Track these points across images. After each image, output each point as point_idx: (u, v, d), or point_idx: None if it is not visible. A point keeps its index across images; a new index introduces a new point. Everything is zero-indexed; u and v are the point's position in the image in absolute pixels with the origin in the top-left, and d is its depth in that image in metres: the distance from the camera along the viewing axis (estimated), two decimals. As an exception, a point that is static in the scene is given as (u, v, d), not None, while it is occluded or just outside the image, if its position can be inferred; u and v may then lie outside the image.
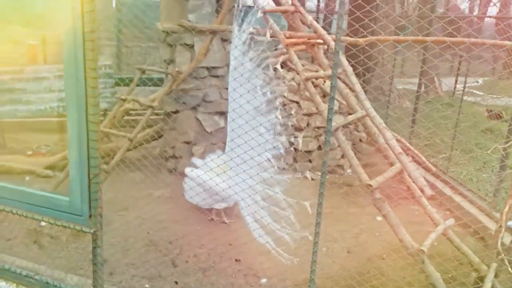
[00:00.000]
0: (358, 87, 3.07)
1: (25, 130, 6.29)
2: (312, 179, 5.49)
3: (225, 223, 4.28)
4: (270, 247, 3.58)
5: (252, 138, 3.59)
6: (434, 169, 4.33)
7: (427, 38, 3.30)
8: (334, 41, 2.14)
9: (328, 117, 2.08)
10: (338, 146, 4.50)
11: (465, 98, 10.85)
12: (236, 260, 3.69)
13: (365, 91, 8.64)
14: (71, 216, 2.71)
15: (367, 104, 3.01)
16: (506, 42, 3.67)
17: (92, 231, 2.69)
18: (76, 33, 2.44)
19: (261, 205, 3.76)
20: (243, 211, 3.84)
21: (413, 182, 2.77)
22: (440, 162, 6.22)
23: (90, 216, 2.67)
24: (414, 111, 6.58)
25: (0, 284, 2.95)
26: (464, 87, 6.22)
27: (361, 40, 3.66)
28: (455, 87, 9.83)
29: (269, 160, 3.92)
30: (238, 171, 3.69)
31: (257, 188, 3.73)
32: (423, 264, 2.79)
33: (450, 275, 3.42)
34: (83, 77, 2.49)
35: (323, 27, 3.87)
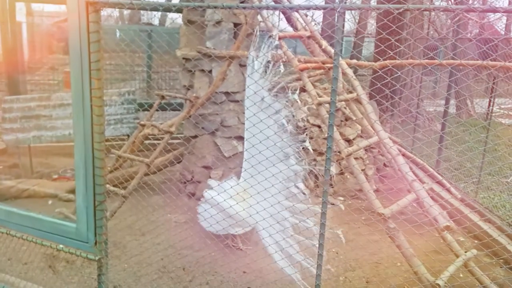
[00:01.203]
0: (368, 109, 2.98)
1: (51, 155, 6.51)
2: (332, 204, 5.35)
3: (241, 249, 4.21)
4: (296, 279, 3.45)
5: (267, 160, 3.54)
6: (458, 195, 4.12)
7: (433, 61, 3.19)
8: (334, 66, 2.09)
9: (327, 145, 2.01)
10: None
11: (501, 120, 10.47)
12: (249, 289, 3.61)
13: (392, 115, 8.46)
14: (78, 243, 2.73)
15: (378, 127, 2.92)
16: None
17: (97, 258, 2.69)
18: (82, 62, 2.50)
19: (287, 234, 3.61)
20: (261, 233, 3.73)
21: (426, 211, 2.64)
22: (470, 187, 5.97)
23: (95, 243, 2.68)
24: (442, 134, 6.36)
25: (9, 309, 2.98)
26: (492, 108, 5.92)
27: (376, 64, 3.59)
28: (488, 109, 9.49)
29: (294, 186, 3.79)
30: (255, 194, 3.62)
31: (285, 214, 3.60)
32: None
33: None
34: (89, 106, 2.53)
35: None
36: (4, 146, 5.80)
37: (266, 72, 3.82)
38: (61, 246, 2.81)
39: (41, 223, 2.82)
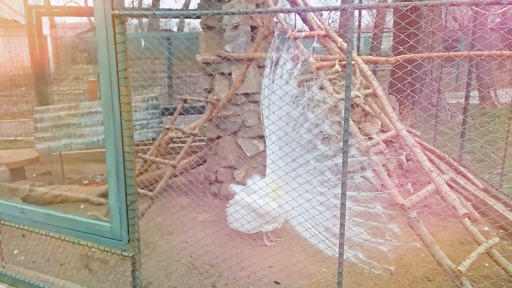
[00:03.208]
0: (384, 101, 3.06)
1: (81, 161, 6.77)
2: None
3: (266, 245, 4.33)
4: (356, 260, 3.52)
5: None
6: (480, 185, 4.14)
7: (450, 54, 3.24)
8: (347, 63, 2.19)
9: (343, 138, 2.12)
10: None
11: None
12: (276, 283, 3.72)
13: (413, 108, 8.40)
14: (112, 241, 2.90)
15: (394, 118, 3.00)
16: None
17: (131, 255, 2.85)
18: (111, 71, 2.66)
19: (356, 222, 3.64)
20: (298, 228, 3.79)
21: (444, 200, 2.70)
22: (495, 178, 5.94)
23: (128, 240, 2.85)
24: (463, 125, 6.34)
25: (51, 305, 3.18)
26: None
27: (390, 59, 3.66)
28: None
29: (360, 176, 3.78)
30: (289, 189, 3.70)
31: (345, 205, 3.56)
32: (461, 285, 2.69)
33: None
34: (119, 111, 2.70)
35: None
36: (37, 154, 6.07)
37: (285, 71, 3.90)
38: (95, 245, 2.99)
39: (78, 224, 3.01)
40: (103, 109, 2.77)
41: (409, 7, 1.79)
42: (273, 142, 3.86)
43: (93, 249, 3.92)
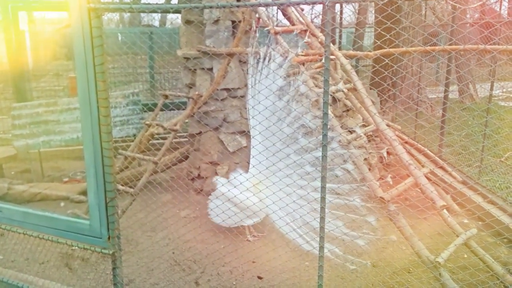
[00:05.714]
0: (363, 95, 3.08)
1: (61, 159, 6.66)
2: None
3: (248, 240, 4.33)
4: (333, 254, 3.54)
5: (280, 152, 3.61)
6: (459, 178, 4.21)
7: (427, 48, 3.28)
8: (325, 57, 2.19)
9: (322, 132, 2.12)
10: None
11: (504, 104, 10.49)
12: (258, 278, 3.73)
13: (394, 104, 8.47)
14: (92, 239, 2.86)
15: (372, 111, 3.02)
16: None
17: (111, 252, 2.82)
18: (87, 66, 2.61)
19: (335, 215, 3.63)
20: (278, 223, 3.80)
21: (423, 193, 2.74)
22: (474, 170, 6.04)
23: (108, 238, 2.81)
24: (442, 119, 6.43)
25: (30, 305, 3.12)
26: (491, 92, 5.97)
27: (371, 53, 3.69)
28: (491, 93, 9.49)
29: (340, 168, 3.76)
30: (269, 183, 3.71)
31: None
32: (440, 276, 2.73)
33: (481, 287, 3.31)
34: (96, 107, 2.66)
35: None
36: (15, 152, 5.95)
37: (267, 65, 3.88)
38: (74, 243, 2.94)
39: (56, 222, 2.96)
40: (80, 105, 2.72)
41: (385, 0, 1.80)
42: (253, 137, 3.86)
43: (73, 247, 3.88)
